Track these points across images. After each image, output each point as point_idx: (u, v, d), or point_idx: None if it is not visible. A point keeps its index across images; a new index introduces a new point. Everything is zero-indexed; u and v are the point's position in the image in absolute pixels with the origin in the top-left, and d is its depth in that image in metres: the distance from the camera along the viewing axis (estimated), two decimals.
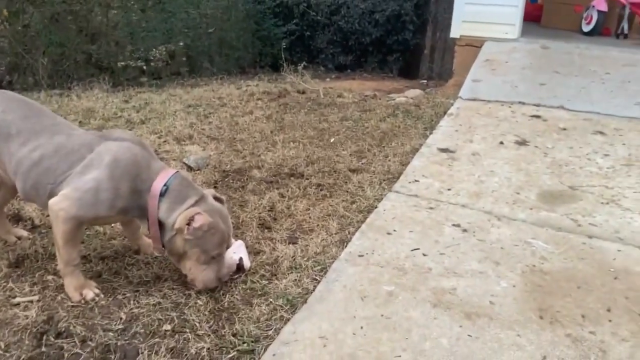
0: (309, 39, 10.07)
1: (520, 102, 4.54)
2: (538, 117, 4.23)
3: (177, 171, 2.12)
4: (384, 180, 3.23)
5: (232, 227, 2.19)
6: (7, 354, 1.76)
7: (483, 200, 2.91)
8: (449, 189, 3.05)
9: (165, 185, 2.02)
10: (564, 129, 3.96)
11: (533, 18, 8.08)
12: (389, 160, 3.53)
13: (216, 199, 2.19)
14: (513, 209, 2.81)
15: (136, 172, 2.02)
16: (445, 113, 4.39)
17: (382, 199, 2.95)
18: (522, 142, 3.72)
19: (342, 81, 8.57)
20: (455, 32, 6.27)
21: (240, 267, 2.24)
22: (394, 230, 2.59)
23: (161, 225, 2.05)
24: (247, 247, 2.38)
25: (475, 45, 6.06)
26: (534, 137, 3.82)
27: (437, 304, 2.04)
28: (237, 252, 2.24)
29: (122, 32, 8.18)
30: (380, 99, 5.38)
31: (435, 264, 2.31)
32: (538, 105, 4.48)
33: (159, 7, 8.40)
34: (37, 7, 7.38)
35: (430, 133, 3.96)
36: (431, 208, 2.83)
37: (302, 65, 6.89)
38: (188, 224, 1.98)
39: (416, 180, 3.16)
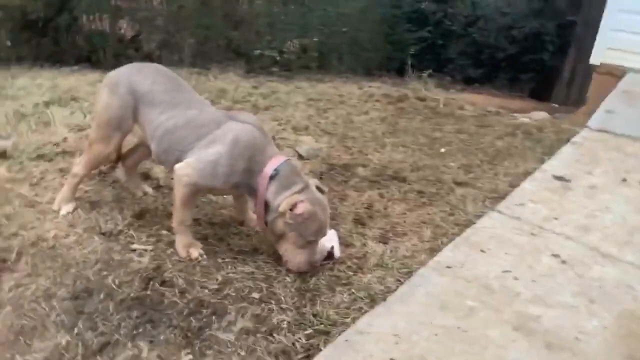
0: (439, 48, 9.95)
1: None
2: None
3: (289, 159, 2.28)
4: (489, 198, 3.18)
5: (329, 218, 2.31)
6: (119, 290, 2.03)
7: (591, 236, 2.76)
8: (555, 218, 2.93)
9: (275, 169, 2.19)
10: None
11: None
12: (498, 179, 3.46)
13: (319, 189, 2.32)
14: (622, 250, 2.64)
15: (252, 153, 2.22)
16: (568, 140, 4.17)
17: (482, 216, 2.91)
18: None
19: (468, 94, 8.38)
20: (595, 58, 5.89)
21: (330, 255, 2.36)
22: (489, 249, 2.56)
23: (267, 205, 2.23)
24: (339, 238, 2.50)
25: (615, 74, 5.65)
26: None
27: (519, 328, 2.00)
28: (329, 240, 2.36)
29: (262, 22, 8.70)
30: (502, 117, 5.23)
31: (525, 290, 2.26)
32: None
33: (299, 1, 8.80)
34: None
35: (548, 159, 3.79)
36: (533, 234, 2.75)
37: (427, 72, 6.86)
38: (291, 209, 2.14)
39: (522, 204, 3.07)
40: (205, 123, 2.31)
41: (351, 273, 2.32)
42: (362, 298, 2.14)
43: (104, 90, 2.45)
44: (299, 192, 2.19)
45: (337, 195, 3.06)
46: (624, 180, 3.47)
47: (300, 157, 3.56)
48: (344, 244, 2.54)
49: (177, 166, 2.24)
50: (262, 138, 2.29)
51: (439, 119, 4.84)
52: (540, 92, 10.14)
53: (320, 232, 2.24)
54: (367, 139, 4.06)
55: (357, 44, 9.78)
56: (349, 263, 2.40)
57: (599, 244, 2.69)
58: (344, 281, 2.26)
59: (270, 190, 2.20)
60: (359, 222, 2.80)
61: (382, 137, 4.13)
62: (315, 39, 9.44)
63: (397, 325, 1.96)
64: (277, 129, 4.11)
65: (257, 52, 8.81)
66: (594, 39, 6.04)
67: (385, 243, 2.60)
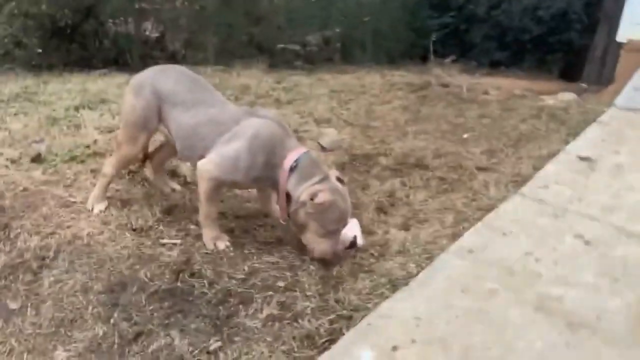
0: (463, 33, 9.84)
1: None
2: None
3: (308, 151, 2.34)
4: (511, 182, 3.18)
5: (350, 207, 2.36)
6: (151, 283, 2.13)
7: (616, 216, 2.75)
8: (580, 199, 2.92)
9: (295, 162, 2.25)
10: None
11: None
12: (522, 163, 3.45)
13: (339, 180, 2.37)
14: None
15: (271, 147, 2.28)
16: (594, 120, 4.11)
17: (504, 200, 2.92)
18: None
19: (493, 78, 8.28)
20: (622, 35, 5.76)
21: (353, 244, 2.41)
22: (511, 232, 2.57)
23: (289, 197, 2.30)
24: (361, 227, 2.55)
25: None
26: None
27: (540, 309, 2.02)
28: (351, 229, 2.41)
29: (283, 17, 8.76)
30: (527, 100, 5.17)
31: (547, 271, 2.27)
32: None
33: None
34: None
35: (573, 140, 3.76)
36: (556, 216, 2.74)
37: (450, 58, 6.82)
38: (311, 199, 2.20)
39: (546, 186, 3.06)
40: (225, 120, 2.38)
41: (373, 260, 2.37)
42: (383, 284, 2.19)
43: (129, 93, 2.55)
44: (319, 182, 2.24)
45: (359, 184, 3.12)
46: None
47: (323, 148, 3.62)
48: (366, 232, 2.59)
49: (200, 162, 2.33)
50: (281, 132, 2.35)
51: (462, 104, 4.83)
52: (570, 72, 9.91)
53: (341, 221, 2.30)
54: (389, 127, 4.09)
55: (379, 33, 9.75)
56: (371, 251, 2.45)
57: (624, 224, 2.67)
58: (366, 268, 2.31)
59: (291, 182, 2.26)
60: (381, 210, 2.85)
61: (405, 126, 4.15)
62: (337, 30, 9.46)
63: (418, 308, 2.00)
64: (299, 122, 4.17)
65: (280, 46, 8.90)
66: (621, 15, 5.91)
67: (407, 230, 2.65)
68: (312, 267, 2.29)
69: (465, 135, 3.96)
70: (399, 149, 3.64)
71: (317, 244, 2.30)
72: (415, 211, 2.84)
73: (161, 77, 2.54)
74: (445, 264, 2.31)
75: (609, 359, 1.78)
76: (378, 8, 9.72)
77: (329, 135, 3.76)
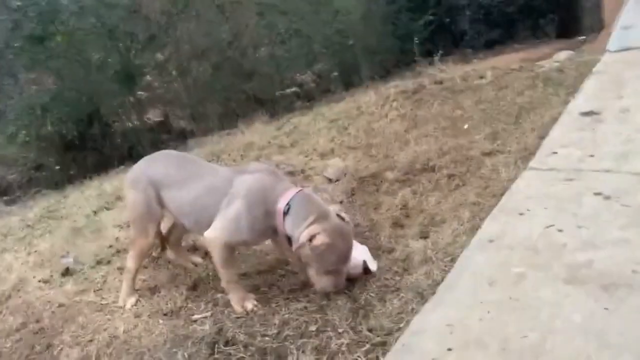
0: (449, 25, 9.84)
1: None
2: None
3: (300, 190, 2.37)
4: (520, 158, 3.12)
5: (352, 244, 2.33)
6: None
7: (631, 162, 2.66)
8: (591, 156, 2.85)
9: (287, 204, 2.28)
10: None
11: None
12: (526, 137, 3.39)
13: (339, 217, 2.37)
14: None
15: (265, 197, 2.33)
16: (591, 72, 4.03)
17: (517, 179, 2.87)
18: None
19: (491, 59, 8.21)
20: None
21: (367, 270, 2.40)
22: (527, 210, 2.52)
23: (291, 239, 2.33)
24: (380, 246, 2.55)
25: None
26: None
27: (571, 280, 1.97)
28: (361, 254, 2.41)
29: (273, 65, 8.97)
30: (522, 72, 5.10)
31: (572, 238, 2.21)
32: None
33: (297, 35, 9.01)
34: (200, 61, 8.46)
35: (573, 98, 3.68)
36: (569, 179, 2.68)
37: (438, 55, 6.80)
38: (310, 240, 2.22)
39: (554, 152, 3.01)
40: (219, 185, 2.45)
41: (398, 278, 2.36)
42: (412, 299, 2.17)
43: (128, 189, 2.66)
44: (314, 222, 2.25)
45: (371, 205, 3.12)
46: None
47: (330, 180, 3.64)
48: (386, 250, 2.59)
49: (206, 233, 2.39)
50: (272, 180, 2.39)
51: (456, 96, 4.80)
52: (568, 29, 9.74)
53: (342, 261, 2.29)
54: (389, 140, 4.09)
55: (367, 50, 9.85)
56: (395, 268, 2.44)
57: None
58: (392, 288, 2.30)
59: (287, 225, 2.29)
60: (397, 224, 2.83)
61: (405, 134, 4.15)
62: (326, 62, 9.60)
63: (448, 314, 1.98)
64: (304, 161, 4.22)
65: (279, 93, 9.10)
66: None
67: (425, 238, 2.62)
68: (339, 302, 2.29)
69: (465, 126, 3.93)
70: (404, 158, 3.64)
71: (319, 280, 2.31)
72: (432, 215, 2.82)
73: (151, 165, 2.64)
74: (468, 261, 2.28)
75: None
76: (359, 28, 9.85)
77: (333, 166, 3.79)
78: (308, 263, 2.30)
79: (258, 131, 6.06)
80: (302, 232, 2.22)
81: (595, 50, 4.94)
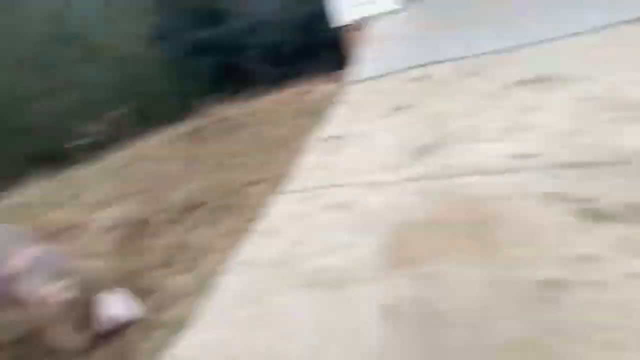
0: (237, 65, 10.23)
1: (407, 68, 4.74)
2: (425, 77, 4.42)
3: None
4: (277, 184, 3.43)
5: None
6: None
7: (359, 176, 3.11)
8: (331, 175, 3.25)
9: None
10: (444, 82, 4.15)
11: None
12: (283, 165, 3.75)
13: None
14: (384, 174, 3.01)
15: None
16: (341, 101, 4.59)
17: (272, 203, 3.15)
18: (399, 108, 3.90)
19: (275, 95, 8.72)
20: (345, 19, 6.51)
21: (128, 322, 2.43)
22: (279, 230, 2.79)
23: None
24: (145, 289, 2.59)
25: (359, 28, 6.31)
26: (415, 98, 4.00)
27: (310, 285, 2.24)
28: (114, 306, 2.43)
29: (51, 119, 8.37)
30: (289, 105, 5.60)
31: (312, 249, 2.51)
32: (424, 66, 4.67)
33: (78, 85, 8.59)
34: None
35: (323, 125, 4.16)
36: (313, 197, 3.03)
37: (225, 95, 7.04)
38: None
39: (302, 176, 3.37)
40: None
41: (163, 313, 2.43)
42: (173, 331, 2.25)
43: None
44: None
45: (141, 249, 3.14)
46: (385, 114, 3.90)
47: (104, 230, 3.58)
48: (152, 290, 2.64)
49: None
50: None
51: (234, 133, 5.09)
52: (341, 65, 10.79)
53: None
54: (166, 183, 4.16)
55: (156, 95, 9.73)
56: (160, 304, 2.50)
57: (372, 178, 3.03)
58: (156, 325, 2.36)
59: None
60: (165, 264, 2.91)
61: (181, 175, 4.26)
62: (112, 113, 9.22)
63: (203, 338, 2.11)
64: (80, 215, 4.06)
65: (65, 146, 8.47)
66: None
67: (191, 271, 2.74)
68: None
69: (237, 160, 4.19)
70: (177, 198, 3.74)
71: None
72: (198, 250, 2.96)
73: None
74: (223, 284, 2.44)
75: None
76: (147, 73, 9.73)
77: (107, 217, 3.73)
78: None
79: (37, 189, 5.65)
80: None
81: (348, 81, 5.64)
